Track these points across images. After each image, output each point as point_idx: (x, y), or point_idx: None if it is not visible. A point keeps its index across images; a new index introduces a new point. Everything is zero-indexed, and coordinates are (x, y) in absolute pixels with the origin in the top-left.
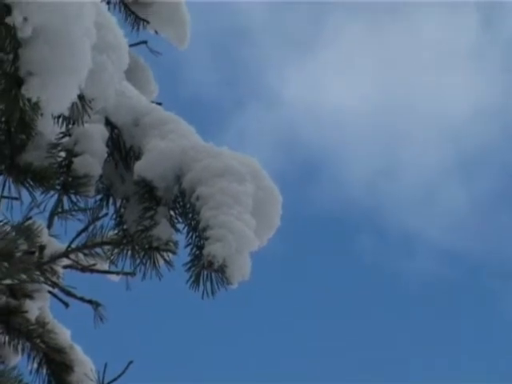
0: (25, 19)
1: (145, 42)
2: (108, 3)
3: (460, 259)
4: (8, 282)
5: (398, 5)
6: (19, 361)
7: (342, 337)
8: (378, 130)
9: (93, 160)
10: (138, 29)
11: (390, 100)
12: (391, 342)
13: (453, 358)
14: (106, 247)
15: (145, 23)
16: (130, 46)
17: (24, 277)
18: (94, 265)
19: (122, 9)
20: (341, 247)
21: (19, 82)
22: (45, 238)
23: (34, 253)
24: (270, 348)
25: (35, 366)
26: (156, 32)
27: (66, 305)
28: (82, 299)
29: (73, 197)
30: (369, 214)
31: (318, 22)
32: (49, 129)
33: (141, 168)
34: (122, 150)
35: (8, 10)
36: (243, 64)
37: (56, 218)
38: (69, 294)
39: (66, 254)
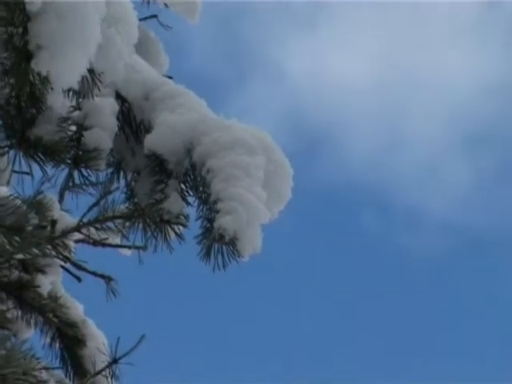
0: None
1: (155, 16)
2: None
3: (464, 233)
4: (20, 256)
5: None
6: (32, 335)
7: (349, 310)
8: (381, 105)
9: (103, 134)
10: (148, 2)
11: (394, 75)
12: (396, 314)
13: (456, 330)
14: (118, 221)
15: None
16: (140, 19)
17: (36, 251)
18: (105, 239)
19: None
20: (345, 222)
21: (28, 56)
22: (56, 212)
23: (45, 227)
24: (280, 322)
25: (48, 340)
26: (166, 5)
27: (79, 279)
28: (94, 273)
29: (83, 171)
30: (373, 188)
31: None
32: (59, 103)
33: (151, 142)
34: (133, 123)
35: None
36: (246, 39)
37: (67, 192)
38: (81, 268)
39: (77, 229)
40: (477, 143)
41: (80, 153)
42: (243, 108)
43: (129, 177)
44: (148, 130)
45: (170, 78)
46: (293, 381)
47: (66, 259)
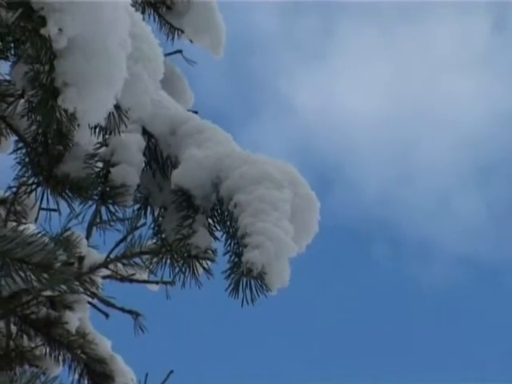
0: (60, 30)
1: (180, 52)
2: (143, 13)
3: (477, 265)
4: (48, 293)
5: (409, 9)
6: (60, 372)
7: (360, 342)
8: (391, 136)
9: (130, 170)
10: (173, 38)
11: (404, 106)
12: (409, 348)
13: (469, 364)
14: (145, 257)
15: (179, 32)
16: (166, 55)
17: (64, 288)
18: (133, 274)
19: (157, 18)
20: (357, 256)
21: (55, 93)
22: (84, 248)
23: (73, 264)
24: (294, 355)
25: (76, 376)
26: (191, 41)
27: (106, 315)
28: (121, 309)
29: (111, 207)
30: (384, 221)
31: (329, 30)
32: (86, 139)
33: (178, 177)
34: (159, 159)
35: (43, 21)
36: (255, 74)
37: (94, 228)
38: (108, 304)
39: (105, 265)
40: (489, 174)
41: (107, 189)
42: (254, 143)
43: (156, 212)
44: (175, 165)
45: (196, 112)
46: None
47: (94, 295)
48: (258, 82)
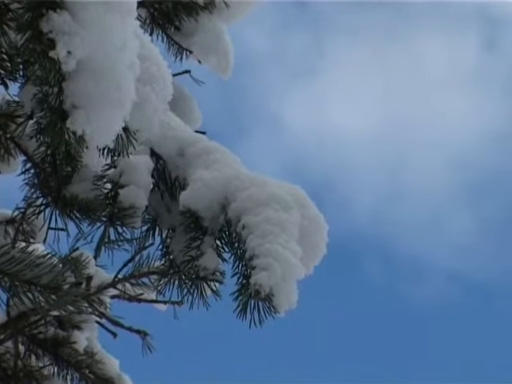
0: (69, 53)
1: (188, 72)
2: (151, 34)
3: (468, 283)
4: (56, 313)
5: (400, 27)
6: None
7: (352, 358)
8: (382, 154)
9: (138, 191)
10: (182, 59)
11: (395, 124)
12: (401, 363)
13: (460, 378)
14: (153, 277)
15: (188, 53)
16: (174, 75)
17: (72, 308)
18: (141, 294)
19: (165, 39)
20: (349, 273)
21: (64, 116)
22: (92, 268)
23: (81, 284)
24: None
25: None
26: (199, 61)
27: (114, 335)
28: (129, 329)
29: (119, 228)
30: (376, 240)
31: (320, 48)
32: (94, 161)
33: (186, 198)
34: (168, 180)
35: (52, 43)
36: (246, 92)
37: (103, 248)
38: (116, 323)
39: (113, 285)
40: (480, 193)
41: (115, 210)
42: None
43: (164, 233)
44: (183, 186)
45: (204, 133)
46: None
47: (102, 315)
48: (249, 100)
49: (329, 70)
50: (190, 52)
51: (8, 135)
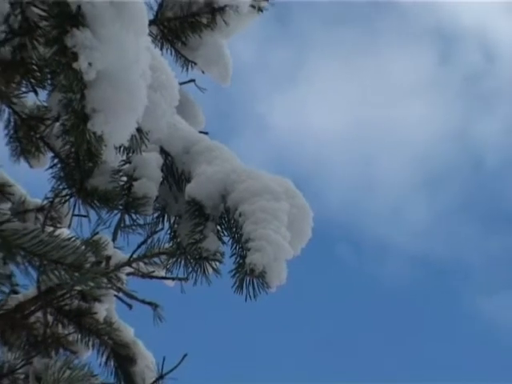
0: (89, 64)
1: (193, 81)
2: (161, 48)
3: (426, 263)
4: (79, 288)
5: (369, 43)
6: (90, 355)
7: (325, 333)
8: (354, 152)
9: (150, 183)
10: (187, 69)
11: (364, 126)
12: (367, 338)
13: (421, 349)
14: (163, 257)
15: (192, 64)
16: (181, 84)
17: (92, 284)
18: (152, 272)
19: (173, 52)
20: (323, 255)
21: (85, 119)
22: (110, 250)
23: (101, 263)
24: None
25: (104, 359)
26: (202, 72)
27: (130, 306)
28: (142, 301)
29: (133, 215)
30: (347, 225)
31: (300, 60)
32: (112, 157)
33: (191, 190)
34: (175, 174)
35: (75, 56)
36: (236, 97)
37: (119, 232)
38: (131, 297)
39: (128, 263)
40: (436, 185)
41: (130, 200)
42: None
43: (172, 220)
44: (188, 179)
45: (206, 133)
46: None
47: (119, 289)
48: (238, 104)
49: (307, 79)
50: (195, 64)
51: (38, 135)
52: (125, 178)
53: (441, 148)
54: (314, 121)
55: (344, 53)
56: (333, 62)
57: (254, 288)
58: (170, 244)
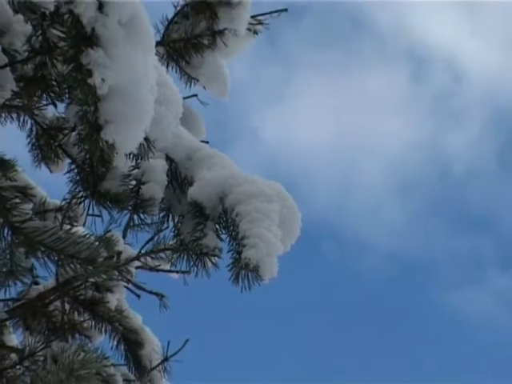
0: (102, 80)
1: (195, 96)
2: (167, 66)
3: (399, 260)
4: (93, 280)
5: (348, 63)
6: (102, 339)
7: (310, 322)
8: (335, 160)
9: (156, 187)
10: (190, 85)
11: (345, 137)
12: (347, 327)
13: (393, 338)
14: (168, 252)
15: (195, 81)
16: (184, 98)
17: (105, 276)
18: (158, 265)
19: (178, 70)
20: (309, 252)
21: (99, 129)
22: (121, 245)
23: (112, 257)
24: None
25: (115, 343)
26: (204, 88)
27: (138, 296)
28: (150, 292)
29: (141, 215)
30: (331, 225)
31: (288, 78)
32: (122, 163)
33: (193, 192)
34: (179, 178)
35: (89, 73)
36: (231, 111)
37: (129, 230)
38: (140, 288)
39: (137, 258)
40: (408, 189)
41: (138, 201)
42: None
43: (176, 219)
44: (190, 183)
45: (207, 142)
46: None
47: (129, 281)
48: (234, 117)
49: (295, 95)
50: (197, 80)
51: (57, 143)
52: (134, 182)
53: (413, 157)
54: (301, 132)
55: (327, 72)
56: (317, 79)
57: (248, 280)
58: (174, 241)
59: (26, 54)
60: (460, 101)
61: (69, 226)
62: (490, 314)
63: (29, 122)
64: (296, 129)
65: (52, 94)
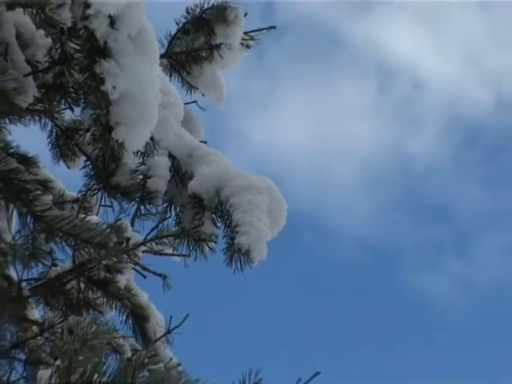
0: (113, 87)
1: (195, 102)
2: (170, 76)
3: (370, 247)
4: (105, 262)
5: (325, 75)
6: (113, 315)
7: (289, 306)
8: (313, 160)
9: (160, 181)
10: (191, 93)
11: (321, 140)
12: (322, 306)
13: (364, 317)
14: (170, 238)
15: (195, 89)
16: (185, 104)
17: (115, 259)
18: (162, 250)
19: (180, 79)
20: (291, 241)
21: (110, 129)
22: (129, 232)
23: (122, 243)
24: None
25: (124, 318)
26: (203, 95)
27: (144, 277)
28: (154, 273)
29: (147, 205)
30: (310, 217)
31: (271, 89)
32: (130, 160)
33: (192, 186)
34: (180, 174)
35: (102, 81)
36: (223, 118)
37: (136, 219)
38: (146, 269)
39: (143, 243)
40: (376, 185)
41: (145, 193)
42: None
43: (177, 209)
44: (190, 177)
45: (205, 142)
46: None
47: (136, 263)
48: (225, 123)
49: (279, 104)
50: (197, 88)
51: (74, 142)
52: (141, 177)
53: (380, 157)
54: (284, 136)
55: (307, 83)
56: (298, 90)
57: (240, 263)
58: (176, 228)
59: (47, 64)
60: (420, 108)
61: (84, 215)
62: (448, 295)
63: (49, 124)
64: (280, 133)
65: (69, 100)
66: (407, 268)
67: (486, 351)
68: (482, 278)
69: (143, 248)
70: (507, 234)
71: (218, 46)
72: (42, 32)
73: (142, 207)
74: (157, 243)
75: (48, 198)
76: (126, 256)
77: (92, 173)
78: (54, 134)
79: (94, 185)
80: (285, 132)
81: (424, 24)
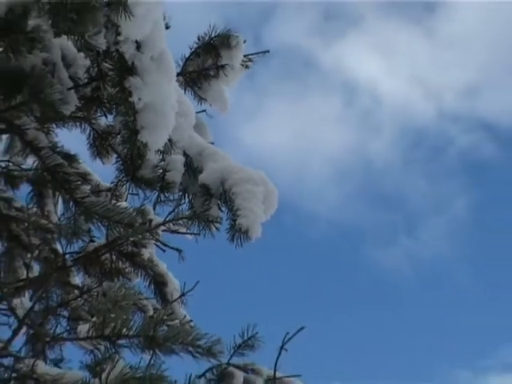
0: (139, 99)
1: (204, 111)
2: (184, 90)
3: (338, 227)
4: (132, 239)
5: (304, 90)
6: (138, 281)
7: (270, 279)
8: (293, 158)
9: (177, 174)
10: (201, 103)
11: (300, 141)
12: (298, 278)
13: (334, 285)
14: (184, 220)
15: (204, 101)
16: (197, 112)
17: (140, 236)
18: (178, 229)
19: (192, 93)
20: (273, 223)
21: (136, 133)
22: (151, 215)
23: (146, 223)
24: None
25: (147, 283)
26: (210, 105)
27: (163, 250)
28: (171, 248)
29: (166, 194)
30: (290, 202)
31: (259, 101)
32: (153, 157)
33: (202, 178)
34: (192, 168)
35: (130, 93)
36: (218, 125)
37: (157, 204)
38: (164, 244)
39: (163, 224)
40: (344, 178)
41: (164, 184)
42: None
43: (190, 197)
44: (201, 171)
45: (212, 143)
46: None
47: (157, 240)
48: (221, 129)
49: (266, 115)
50: (206, 100)
51: (107, 143)
52: (161, 171)
53: (346, 156)
54: (270, 139)
55: (288, 98)
56: (281, 104)
57: (240, 240)
58: (189, 212)
59: (86, 80)
60: (378, 118)
61: (115, 201)
62: (399, 266)
63: (87, 128)
64: (267, 137)
65: (104, 109)
66: (368, 244)
67: (423, 309)
68: (426, 252)
69: (162, 228)
70: (446, 218)
71: (223, 66)
72: (82, 54)
73: (162, 195)
74: (173, 224)
75: (86, 188)
76: (148, 234)
77: (122, 168)
78: (91, 137)
79: (123, 177)
80: (271, 137)
81: (380, 51)
